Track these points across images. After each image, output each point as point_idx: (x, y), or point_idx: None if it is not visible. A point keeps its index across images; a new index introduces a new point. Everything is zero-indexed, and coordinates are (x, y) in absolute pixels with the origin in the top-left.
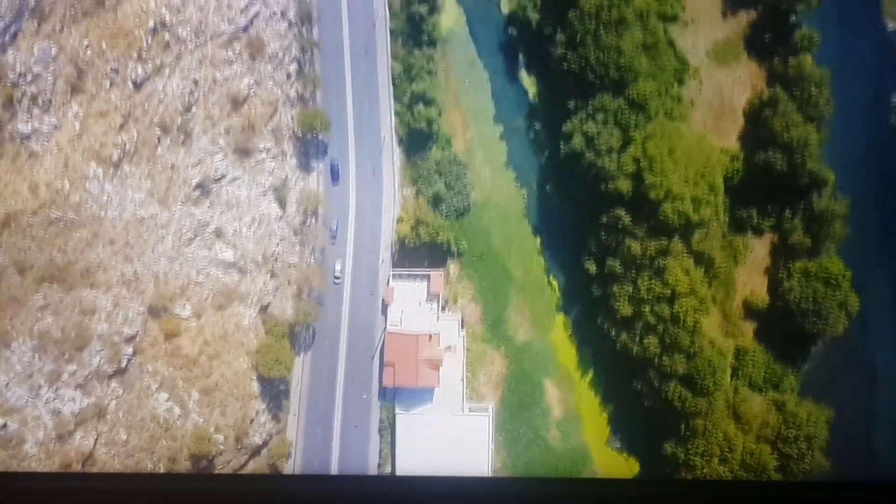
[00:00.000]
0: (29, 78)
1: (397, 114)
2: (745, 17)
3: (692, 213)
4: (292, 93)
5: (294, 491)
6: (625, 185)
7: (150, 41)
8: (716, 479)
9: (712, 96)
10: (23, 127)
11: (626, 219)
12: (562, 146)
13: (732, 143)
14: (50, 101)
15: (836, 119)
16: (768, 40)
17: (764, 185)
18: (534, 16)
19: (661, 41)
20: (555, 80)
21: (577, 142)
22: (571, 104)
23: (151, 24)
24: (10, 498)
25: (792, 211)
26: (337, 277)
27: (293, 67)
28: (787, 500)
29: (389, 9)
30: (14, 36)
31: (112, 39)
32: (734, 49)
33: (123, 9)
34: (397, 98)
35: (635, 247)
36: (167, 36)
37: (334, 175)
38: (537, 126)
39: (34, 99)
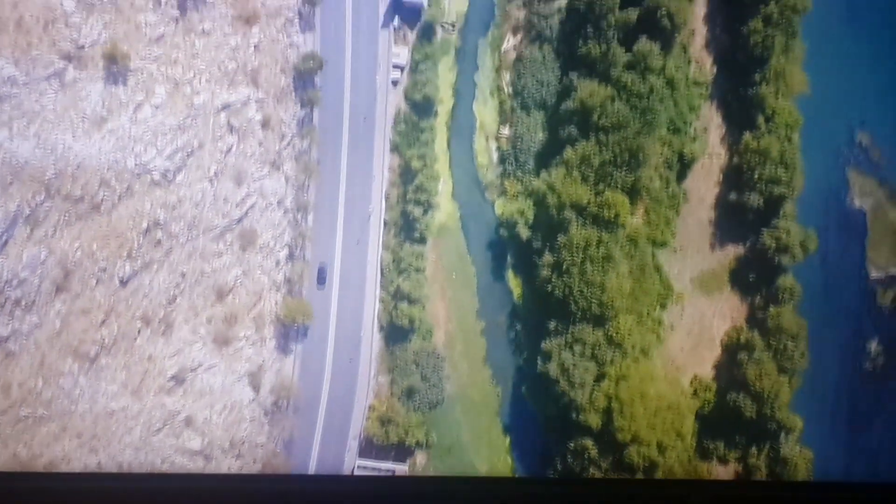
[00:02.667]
0: (15, 283)
1: (382, 301)
2: (732, 251)
3: (657, 457)
4: (279, 277)
5: (294, 491)
6: (594, 420)
7: (141, 240)
8: (716, 480)
9: (692, 323)
10: (2, 329)
11: (593, 451)
12: (539, 363)
13: (707, 370)
14: (34, 302)
15: (810, 363)
16: (752, 279)
17: (733, 420)
18: (524, 232)
19: (649, 265)
20: (540, 291)
21: (553, 369)
22: (552, 324)
23: (145, 225)
24: (11, 498)
25: (758, 449)
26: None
27: (283, 253)
28: (787, 501)
29: (386, 200)
30: (5, 243)
31: (103, 241)
32: (718, 280)
33: (118, 211)
34: (384, 287)
35: (599, 476)
36: (160, 234)
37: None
38: (518, 326)
39: (17, 302)
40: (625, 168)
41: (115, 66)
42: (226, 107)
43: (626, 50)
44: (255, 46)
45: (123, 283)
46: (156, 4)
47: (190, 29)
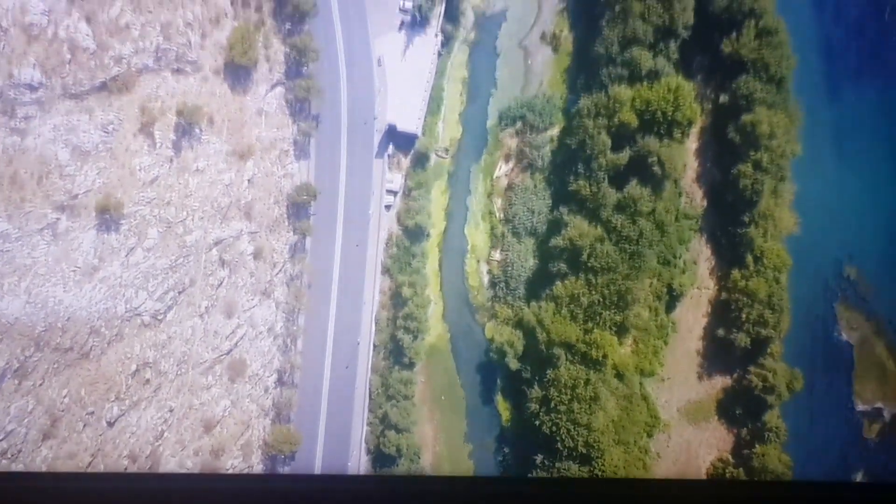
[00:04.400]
0: (1, 436)
1: (370, 424)
2: (719, 382)
3: None
4: (268, 403)
5: (295, 491)
6: None
7: (130, 381)
8: (717, 480)
9: (679, 452)
10: None
11: None
12: None
13: None
14: (19, 451)
15: None
16: (739, 414)
17: None
18: (513, 363)
19: (636, 394)
20: (528, 420)
21: None
22: (539, 459)
23: (134, 367)
24: (11, 498)
25: None
26: None
27: (272, 379)
28: (787, 500)
29: (376, 324)
30: None
31: (91, 386)
32: (705, 411)
33: (108, 356)
34: (372, 410)
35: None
36: (149, 373)
37: None
38: (506, 450)
39: (3, 453)
40: (613, 309)
41: (108, 215)
42: (218, 242)
43: (618, 188)
44: (248, 181)
45: (111, 424)
46: (150, 147)
47: (184, 168)
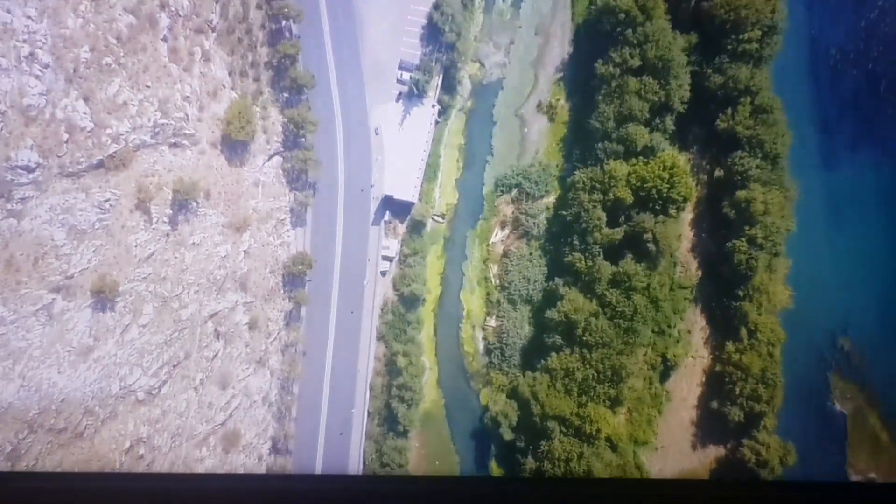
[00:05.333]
0: None
1: None
2: (713, 452)
3: None
4: (262, 470)
5: (294, 491)
6: None
7: (123, 458)
8: (717, 480)
9: None
10: None
11: None
12: None
13: None
14: None
15: None
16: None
17: None
18: (508, 434)
19: (630, 463)
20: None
21: None
22: None
23: (128, 444)
24: (11, 498)
25: None
26: None
27: (266, 447)
28: (787, 500)
29: (371, 391)
30: None
31: (85, 464)
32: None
33: (101, 434)
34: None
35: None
36: (142, 449)
37: None
38: None
39: None
40: (607, 383)
41: (104, 294)
42: (213, 315)
43: (613, 261)
44: (245, 252)
45: None
46: (147, 223)
47: (180, 243)
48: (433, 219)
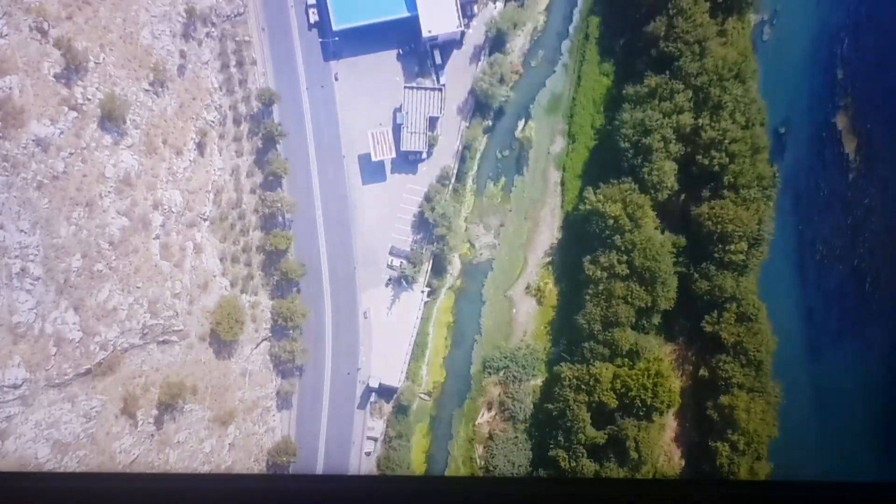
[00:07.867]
0: None
1: None
2: None
3: None
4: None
5: (294, 491)
6: None
7: None
8: (716, 479)
9: None
10: None
11: None
12: None
13: None
14: None
15: None
16: None
17: None
18: None
19: None
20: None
21: None
22: None
23: None
24: (11, 498)
25: None
26: None
27: None
28: (787, 500)
29: None
30: None
31: None
32: None
33: None
34: None
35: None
36: None
37: None
38: None
39: None
40: None
41: None
42: None
43: (597, 460)
44: (230, 445)
45: None
46: (132, 427)
47: (164, 442)
48: (420, 397)
